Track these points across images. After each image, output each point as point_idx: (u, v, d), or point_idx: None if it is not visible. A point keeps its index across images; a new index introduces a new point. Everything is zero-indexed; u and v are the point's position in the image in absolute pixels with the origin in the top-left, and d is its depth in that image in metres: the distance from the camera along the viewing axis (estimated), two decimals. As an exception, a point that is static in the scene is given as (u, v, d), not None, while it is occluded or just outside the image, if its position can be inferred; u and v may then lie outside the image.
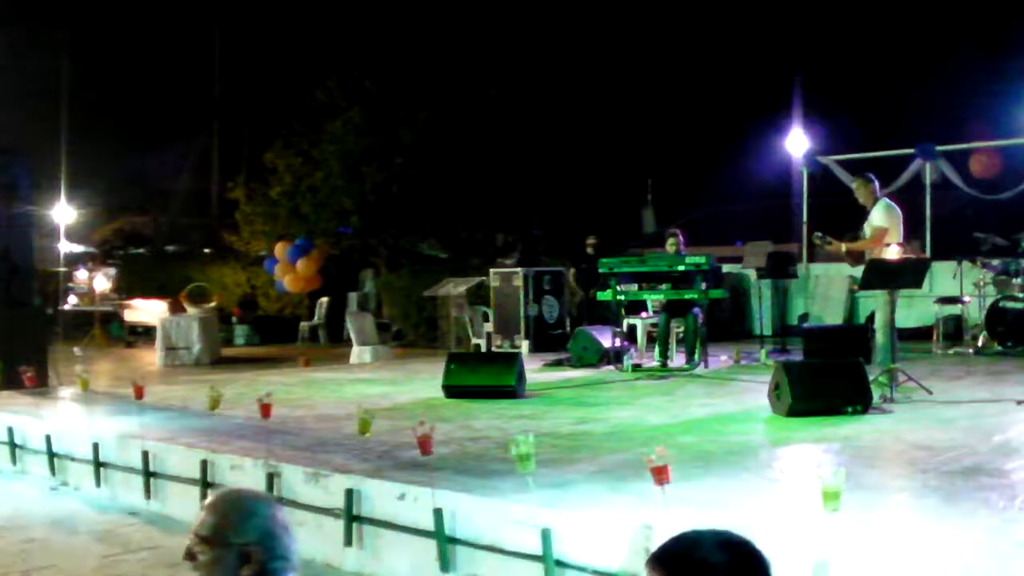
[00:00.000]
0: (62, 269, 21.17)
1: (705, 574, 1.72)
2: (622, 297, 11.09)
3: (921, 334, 12.38)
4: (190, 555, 2.08)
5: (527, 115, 20.66)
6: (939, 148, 14.85)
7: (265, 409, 6.02)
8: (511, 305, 13.85)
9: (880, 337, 8.34)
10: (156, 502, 6.50)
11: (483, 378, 8.66)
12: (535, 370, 10.60)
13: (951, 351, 11.82)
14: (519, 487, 4.78)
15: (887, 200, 8.72)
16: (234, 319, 20.14)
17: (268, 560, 2.06)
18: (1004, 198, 14.36)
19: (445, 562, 4.67)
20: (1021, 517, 4.19)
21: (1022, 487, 4.81)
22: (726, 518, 4.19)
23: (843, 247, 8.64)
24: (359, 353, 13.97)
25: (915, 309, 12.52)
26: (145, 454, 6.55)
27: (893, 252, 8.26)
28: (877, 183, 8.80)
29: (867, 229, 8.52)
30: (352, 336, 14.49)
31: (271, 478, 5.70)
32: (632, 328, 11.73)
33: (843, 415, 7.02)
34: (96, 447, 6.99)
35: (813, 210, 16.24)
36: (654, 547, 4.19)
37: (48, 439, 7.50)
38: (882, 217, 8.43)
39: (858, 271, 8.85)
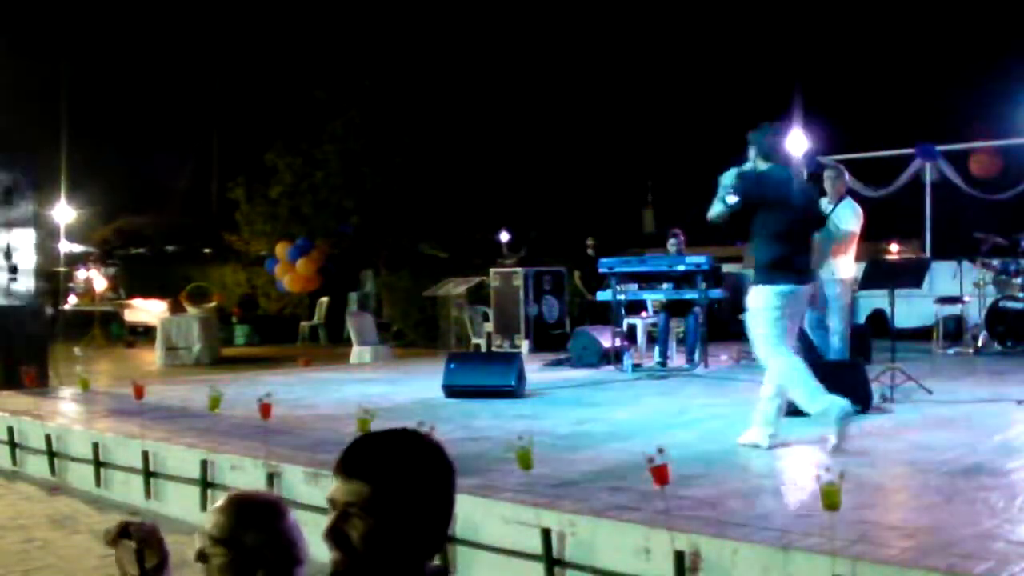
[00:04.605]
0: (62, 269, 21.15)
1: (404, 476, 1.74)
2: (622, 297, 11.10)
3: (921, 334, 12.38)
4: (202, 557, 2.06)
5: (527, 115, 20.68)
6: (939, 148, 14.84)
7: (265, 409, 6.02)
8: (511, 305, 13.85)
9: (836, 342, 8.42)
10: (156, 502, 6.50)
11: (483, 378, 8.67)
12: (535, 370, 10.60)
13: (951, 351, 11.82)
14: (519, 487, 4.78)
15: (852, 200, 8.92)
16: (234, 319, 20.15)
17: (282, 563, 2.05)
18: (1004, 198, 14.35)
19: (445, 562, 4.66)
20: (1021, 517, 4.19)
21: (1022, 487, 4.82)
22: (726, 518, 4.19)
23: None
24: (359, 353, 13.96)
25: (915, 309, 12.51)
26: (145, 454, 6.55)
27: (851, 255, 8.45)
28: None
29: (831, 227, 8.60)
30: (352, 336, 14.48)
31: (271, 478, 5.70)
32: (632, 328, 11.73)
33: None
34: (96, 447, 6.99)
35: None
36: (654, 548, 4.16)
37: (48, 439, 7.50)
38: (852, 221, 8.64)
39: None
